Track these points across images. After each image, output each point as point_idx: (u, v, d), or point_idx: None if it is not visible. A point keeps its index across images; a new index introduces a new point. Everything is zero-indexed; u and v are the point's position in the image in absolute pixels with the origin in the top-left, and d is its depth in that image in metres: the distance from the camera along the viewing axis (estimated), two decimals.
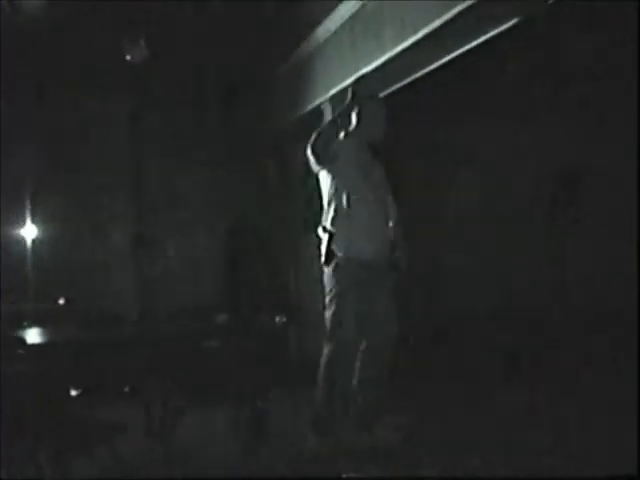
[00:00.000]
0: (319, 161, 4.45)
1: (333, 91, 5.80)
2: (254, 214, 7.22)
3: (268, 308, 6.59)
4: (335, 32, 5.70)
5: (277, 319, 5.42)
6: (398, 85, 5.50)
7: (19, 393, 3.89)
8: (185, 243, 7.06)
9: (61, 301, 6.09)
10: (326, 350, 4.63)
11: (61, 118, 6.78)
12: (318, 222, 6.38)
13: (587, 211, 6.85)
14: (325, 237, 4.48)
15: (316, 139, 4.39)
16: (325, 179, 4.57)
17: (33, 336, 4.77)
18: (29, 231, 6.89)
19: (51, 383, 4.51)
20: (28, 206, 6.77)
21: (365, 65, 5.20)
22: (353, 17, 5.40)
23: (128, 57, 6.06)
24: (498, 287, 6.74)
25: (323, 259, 4.48)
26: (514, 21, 4.42)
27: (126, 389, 5.43)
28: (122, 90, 6.83)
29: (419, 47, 4.72)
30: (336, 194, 4.49)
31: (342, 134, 4.56)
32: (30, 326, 5.17)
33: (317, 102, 6.19)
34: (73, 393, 5.08)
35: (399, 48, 4.78)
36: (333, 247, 4.43)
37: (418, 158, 6.70)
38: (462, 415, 5.00)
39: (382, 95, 5.70)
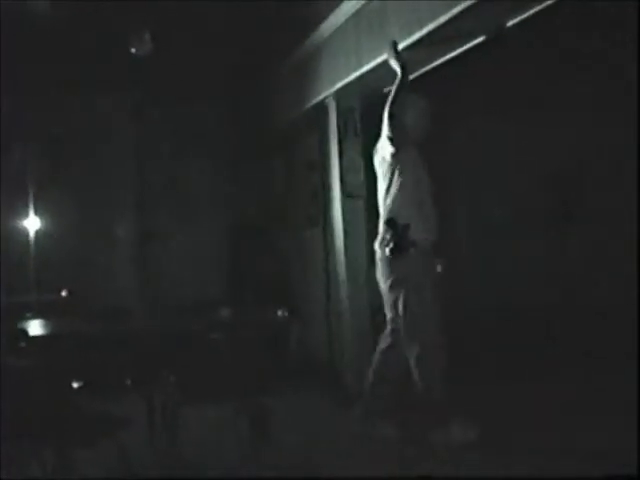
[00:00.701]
0: (393, 127, 4.49)
1: (337, 86, 5.81)
2: (258, 209, 7.23)
3: (271, 302, 6.60)
4: (340, 28, 5.69)
5: (279, 313, 5.42)
6: None
7: (20, 385, 3.89)
8: (189, 238, 7.04)
9: (63, 293, 6.09)
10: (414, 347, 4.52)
11: (65, 113, 6.78)
12: (319, 217, 6.47)
13: (587, 211, 6.85)
14: (397, 226, 4.45)
15: (392, 104, 4.49)
16: (390, 168, 4.59)
17: (35, 328, 4.77)
18: (32, 223, 6.91)
19: (53, 375, 4.51)
20: (31, 198, 6.78)
21: (369, 61, 5.21)
22: (357, 13, 5.40)
23: (133, 50, 6.07)
24: (498, 286, 6.72)
25: (393, 248, 4.42)
26: (518, 19, 4.43)
27: (127, 382, 5.44)
28: (126, 86, 6.83)
29: (423, 44, 4.71)
30: (405, 182, 4.52)
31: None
32: (32, 318, 5.17)
33: (321, 97, 6.20)
34: (75, 386, 5.08)
35: (403, 44, 4.77)
36: (409, 235, 4.42)
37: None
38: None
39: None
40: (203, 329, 5.77)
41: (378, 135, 4.72)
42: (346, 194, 5.93)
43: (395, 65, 4.59)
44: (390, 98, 4.54)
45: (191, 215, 7.09)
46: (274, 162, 7.38)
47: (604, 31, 5.89)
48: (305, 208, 6.85)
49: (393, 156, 4.55)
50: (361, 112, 6.00)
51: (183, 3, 6.19)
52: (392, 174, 4.56)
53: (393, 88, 4.57)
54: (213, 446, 4.82)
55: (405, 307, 4.49)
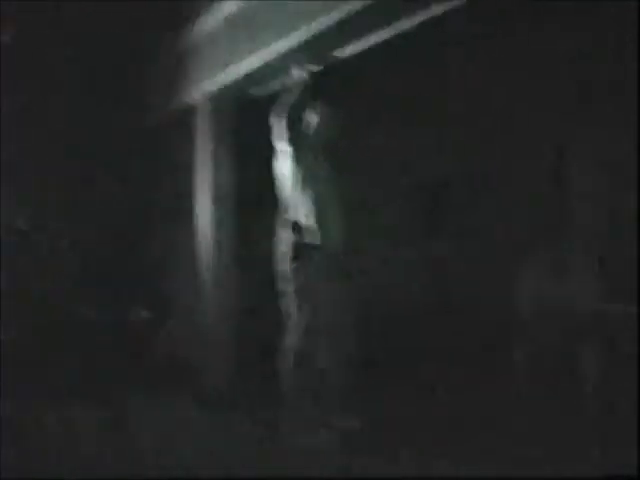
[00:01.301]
0: (290, 135, 4.52)
1: (209, 89, 5.81)
2: (128, 209, 7.12)
3: (138, 303, 6.52)
4: (212, 30, 5.69)
5: (143, 314, 5.39)
6: (273, 89, 5.52)
7: None
8: (56, 235, 6.83)
9: None
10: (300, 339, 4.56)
11: None
12: (189, 219, 6.44)
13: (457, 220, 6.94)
14: (299, 230, 4.49)
15: (288, 115, 4.52)
16: (292, 173, 4.58)
17: None
18: None
19: None
20: None
21: (241, 64, 5.24)
22: (230, 17, 5.41)
23: None
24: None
25: (295, 252, 4.48)
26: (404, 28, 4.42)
27: None
28: None
29: (294, 51, 4.75)
30: (305, 188, 4.53)
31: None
32: None
33: (194, 99, 6.17)
34: None
35: (273, 51, 4.81)
36: (309, 240, 4.46)
37: None
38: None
39: (257, 95, 5.81)
40: (68, 329, 5.66)
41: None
42: (216, 196, 5.94)
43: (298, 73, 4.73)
44: (290, 104, 4.58)
45: (60, 213, 6.89)
46: (146, 163, 7.27)
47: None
48: (175, 209, 6.82)
49: (293, 162, 4.57)
50: (232, 115, 6.00)
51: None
52: (292, 180, 4.59)
53: (295, 93, 4.63)
54: (70, 449, 4.68)
55: (299, 306, 4.55)
